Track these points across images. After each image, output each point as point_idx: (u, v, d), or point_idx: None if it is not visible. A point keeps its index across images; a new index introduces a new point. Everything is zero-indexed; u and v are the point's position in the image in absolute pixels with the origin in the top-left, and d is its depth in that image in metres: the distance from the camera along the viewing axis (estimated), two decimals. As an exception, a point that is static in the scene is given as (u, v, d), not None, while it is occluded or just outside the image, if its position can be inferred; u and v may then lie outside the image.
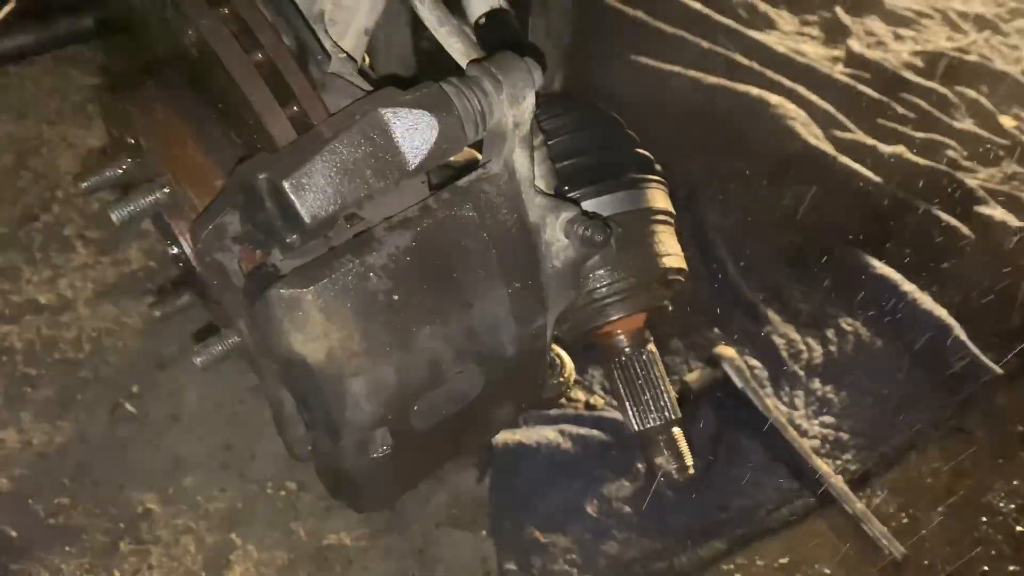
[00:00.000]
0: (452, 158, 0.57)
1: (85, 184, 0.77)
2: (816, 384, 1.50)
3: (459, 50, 0.68)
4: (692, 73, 2.02)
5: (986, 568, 1.28)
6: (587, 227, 0.61)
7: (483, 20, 0.81)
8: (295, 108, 0.63)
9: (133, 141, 0.71)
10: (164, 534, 1.26)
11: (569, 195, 0.67)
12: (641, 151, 0.80)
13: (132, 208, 0.68)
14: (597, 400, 1.43)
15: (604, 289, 0.69)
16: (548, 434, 1.32)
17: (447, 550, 1.26)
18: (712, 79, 2.00)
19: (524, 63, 0.60)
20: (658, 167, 0.76)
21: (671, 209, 0.72)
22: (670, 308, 0.74)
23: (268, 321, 0.53)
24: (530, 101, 0.59)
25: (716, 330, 1.57)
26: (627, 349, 0.72)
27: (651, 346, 0.72)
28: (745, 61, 2.10)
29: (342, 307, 0.52)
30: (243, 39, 0.64)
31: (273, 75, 0.63)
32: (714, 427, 1.42)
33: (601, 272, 0.69)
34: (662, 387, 0.71)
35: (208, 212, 0.58)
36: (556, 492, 1.30)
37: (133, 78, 0.75)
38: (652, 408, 0.72)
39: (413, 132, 0.53)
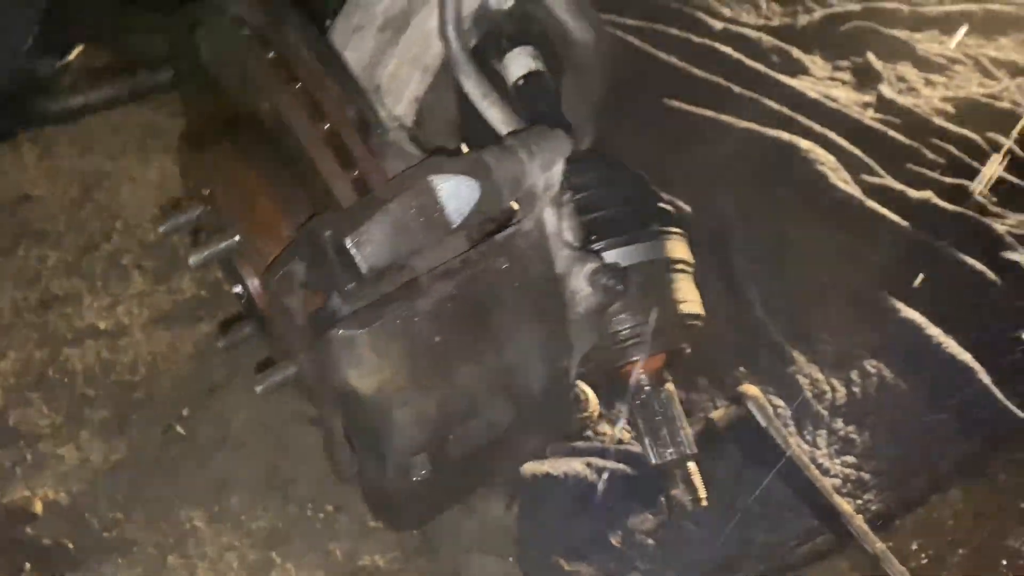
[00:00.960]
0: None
1: (163, 228, 0.86)
2: (839, 424, 1.53)
3: (499, 119, 0.76)
4: (723, 117, 2.08)
5: (1005, 611, 1.30)
6: (608, 278, 0.67)
7: (521, 82, 0.89)
8: (356, 173, 0.71)
9: (208, 193, 0.80)
10: (210, 550, 1.34)
11: (594, 245, 0.74)
12: (662, 205, 0.86)
13: (208, 253, 0.76)
14: (624, 435, 1.48)
15: (625, 332, 0.75)
16: (575, 466, 1.37)
17: (476, 575, 1.31)
18: (742, 123, 2.07)
19: (556, 134, 0.67)
20: (677, 218, 0.82)
21: (690, 259, 0.78)
22: (688, 351, 0.80)
23: (328, 357, 0.61)
24: (559, 167, 0.67)
25: (742, 369, 1.62)
26: (647, 388, 0.78)
27: (669, 385, 0.77)
28: (776, 106, 2.15)
29: (392, 346, 0.59)
30: (313, 111, 0.72)
31: (338, 144, 0.72)
32: (738, 464, 1.46)
33: (623, 316, 0.75)
34: (679, 423, 0.77)
35: (279, 261, 0.66)
36: (581, 523, 1.35)
37: (209, 134, 0.84)
38: (669, 443, 0.77)
39: (457, 195, 0.61)
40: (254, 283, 0.78)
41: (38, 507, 1.37)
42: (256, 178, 0.77)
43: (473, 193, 0.61)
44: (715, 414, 1.52)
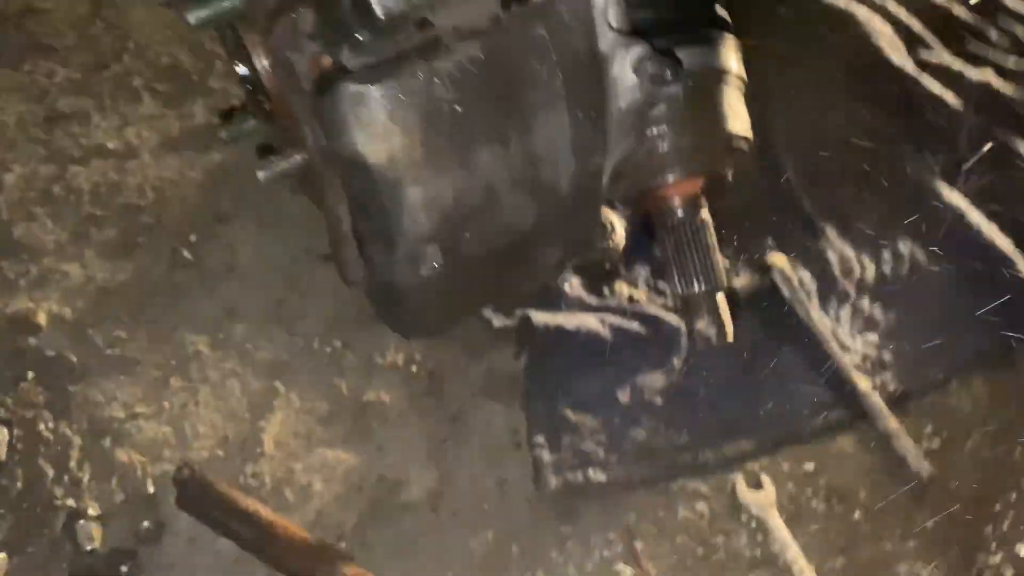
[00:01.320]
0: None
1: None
2: (864, 302, 1.48)
3: None
4: (777, -20, 1.94)
5: (1013, 496, 1.28)
6: (658, 65, 0.59)
7: None
8: None
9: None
10: (212, 375, 1.32)
11: (650, 40, 0.65)
12: (720, 12, 0.77)
13: (209, 12, 0.68)
14: (640, 295, 1.43)
15: (664, 146, 0.68)
16: (588, 321, 1.34)
17: (480, 418, 1.30)
18: (798, -12, 1.92)
19: None
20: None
21: (744, 74, 0.69)
22: (730, 178, 0.73)
23: (334, 116, 0.54)
24: None
25: (770, 240, 1.55)
26: (680, 214, 0.71)
27: (705, 213, 0.70)
28: (835, -29, 2.00)
29: (406, 110, 0.52)
30: None
31: None
32: (756, 333, 1.42)
33: (663, 128, 0.67)
34: (710, 254, 0.70)
35: (282, 6, 0.58)
36: (590, 377, 1.32)
37: None
38: (698, 273, 0.71)
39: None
40: (261, 60, 0.71)
41: (42, 319, 1.35)
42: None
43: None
44: (737, 281, 1.47)
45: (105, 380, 1.30)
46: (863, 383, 1.36)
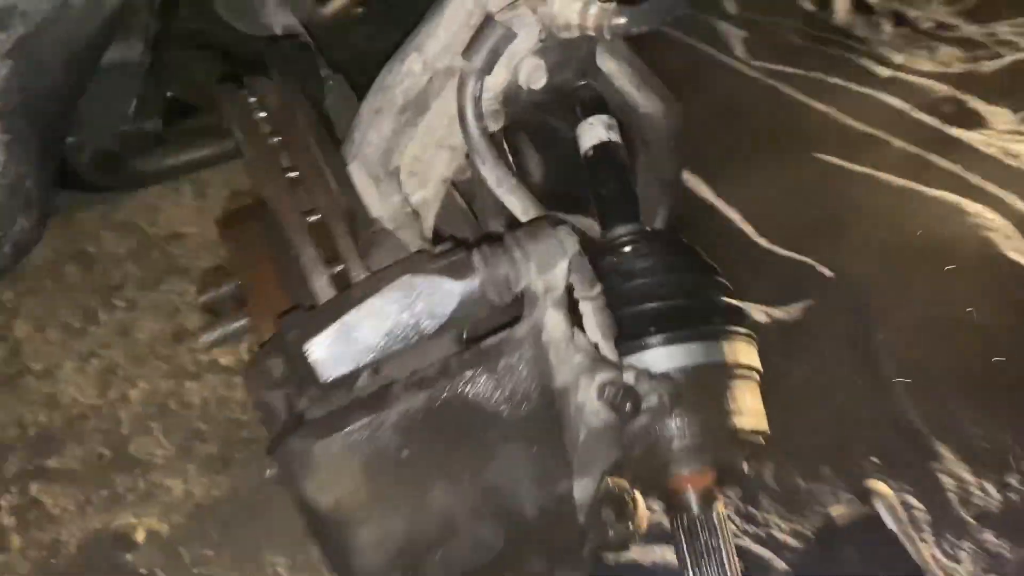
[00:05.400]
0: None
1: (202, 299, 0.87)
2: (988, 536, 1.32)
3: (518, 207, 0.70)
4: (881, 175, 1.90)
5: None
6: (616, 394, 0.59)
7: (590, 153, 0.82)
8: (340, 267, 0.68)
9: (234, 269, 0.81)
10: (288, 599, 1.33)
11: (647, 339, 0.65)
12: (731, 301, 0.75)
13: (218, 335, 0.76)
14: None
15: (669, 444, 0.66)
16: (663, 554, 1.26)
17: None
18: (902, 182, 1.88)
19: (556, 234, 0.61)
20: (746, 318, 0.72)
21: (756, 365, 0.67)
22: (746, 469, 0.69)
23: (283, 467, 0.57)
24: (561, 268, 0.60)
25: (874, 459, 1.43)
26: (693, 508, 0.67)
27: (720, 506, 0.66)
28: (945, 163, 1.94)
29: (350, 460, 0.55)
30: (302, 201, 0.70)
31: (325, 236, 0.69)
32: (859, 571, 1.29)
33: (668, 424, 0.66)
34: (726, 554, 0.66)
35: (259, 354, 0.64)
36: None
37: (246, 210, 0.85)
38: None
39: (434, 298, 0.56)
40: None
41: (140, 536, 1.42)
42: (270, 259, 0.77)
43: (452, 297, 0.57)
44: (835, 510, 1.35)
45: (188, 601, 1.34)
46: (989, 638, 1.19)
